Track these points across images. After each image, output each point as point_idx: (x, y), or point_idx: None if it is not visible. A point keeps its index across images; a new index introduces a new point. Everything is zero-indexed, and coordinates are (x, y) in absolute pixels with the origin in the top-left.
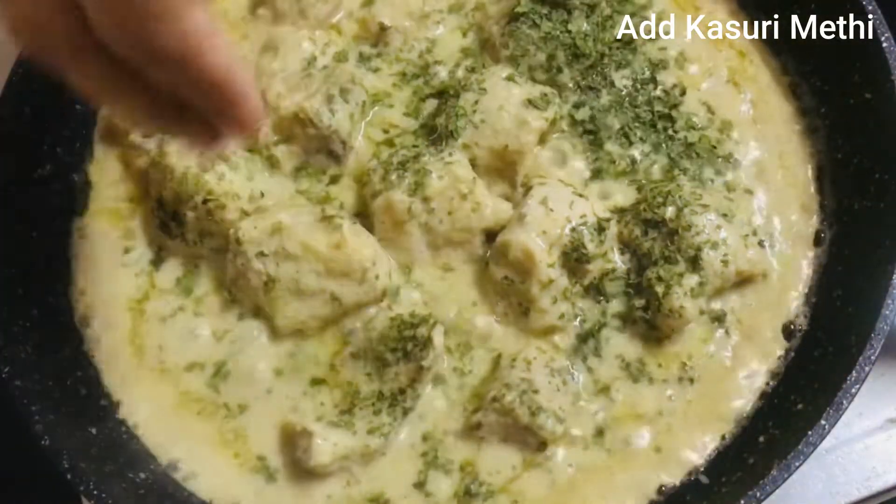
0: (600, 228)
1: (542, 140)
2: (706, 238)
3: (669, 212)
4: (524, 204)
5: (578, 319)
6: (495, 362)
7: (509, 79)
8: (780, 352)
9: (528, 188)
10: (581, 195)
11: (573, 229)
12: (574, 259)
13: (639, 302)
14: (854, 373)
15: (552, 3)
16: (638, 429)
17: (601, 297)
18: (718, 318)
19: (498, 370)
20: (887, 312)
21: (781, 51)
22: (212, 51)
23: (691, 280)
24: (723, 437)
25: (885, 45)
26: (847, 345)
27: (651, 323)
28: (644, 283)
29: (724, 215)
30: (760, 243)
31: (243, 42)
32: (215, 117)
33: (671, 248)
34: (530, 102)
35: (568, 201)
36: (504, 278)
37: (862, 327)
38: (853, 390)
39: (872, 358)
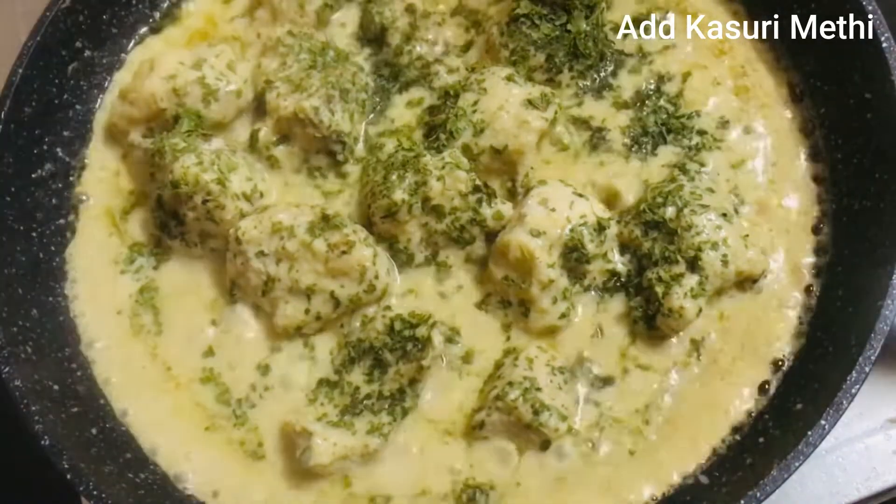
0: (600, 228)
1: (542, 140)
2: (706, 238)
3: (669, 212)
4: (524, 204)
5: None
6: (498, 361)
7: (509, 79)
8: (780, 352)
9: (528, 188)
10: (581, 195)
11: (573, 229)
12: (574, 259)
13: (638, 302)
14: (854, 373)
15: (552, 4)
16: (637, 429)
17: (601, 298)
18: (721, 317)
19: (500, 369)
20: (887, 312)
21: (781, 51)
22: None
23: (691, 280)
24: (723, 438)
25: (885, 45)
26: (847, 345)
27: (651, 323)
28: (644, 284)
29: (724, 215)
30: (763, 251)
31: (246, 49)
32: None
33: (671, 249)
34: (530, 103)
35: (568, 201)
36: (504, 278)
37: (862, 327)
38: (853, 390)
39: (872, 358)
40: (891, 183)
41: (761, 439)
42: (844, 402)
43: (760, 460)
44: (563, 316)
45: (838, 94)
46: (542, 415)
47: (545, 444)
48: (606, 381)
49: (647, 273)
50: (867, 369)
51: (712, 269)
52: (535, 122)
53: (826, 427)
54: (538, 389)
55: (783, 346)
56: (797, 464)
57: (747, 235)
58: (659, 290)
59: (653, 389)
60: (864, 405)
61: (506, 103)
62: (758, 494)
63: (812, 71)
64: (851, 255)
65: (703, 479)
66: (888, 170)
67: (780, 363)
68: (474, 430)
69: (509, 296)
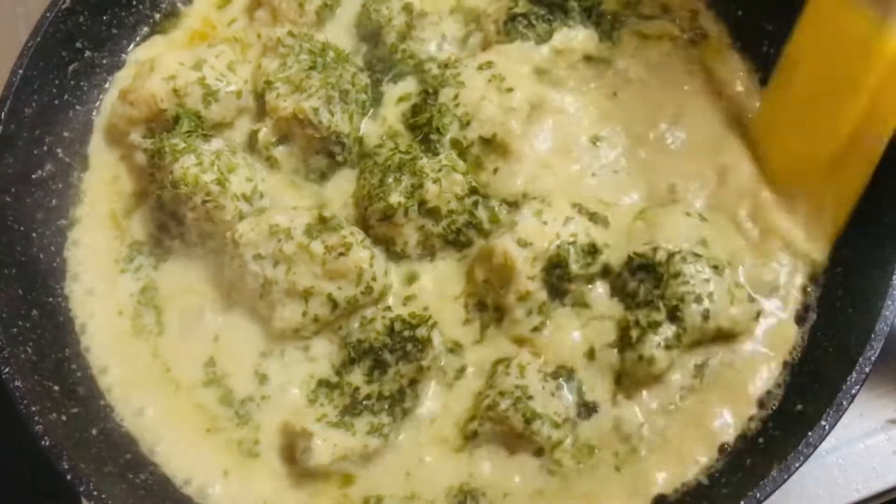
0: (590, 252)
1: (531, 122)
2: (691, 289)
3: (660, 255)
4: (519, 213)
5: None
6: (490, 370)
7: (482, 67)
8: (780, 353)
9: (529, 198)
10: (582, 213)
11: (560, 246)
12: (556, 276)
13: (611, 339)
14: (854, 373)
15: (549, 5)
16: (633, 432)
17: (580, 321)
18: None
19: (493, 377)
20: (887, 313)
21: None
22: None
23: (668, 330)
24: (722, 445)
25: None
26: (847, 345)
27: (623, 367)
28: (622, 324)
29: (716, 267)
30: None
31: (246, 50)
32: None
33: (655, 294)
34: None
35: (563, 218)
36: (485, 281)
37: (862, 328)
38: (853, 391)
39: (872, 359)
40: (891, 183)
41: (761, 440)
42: (844, 402)
43: (760, 461)
44: (535, 329)
45: None
46: (534, 423)
47: (539, 452)
48: (592, 407)
49: (627, 315)
50: (867, 370)
51: (691, 322)
52: (521, 106)
53: (826, 428)
54: (530, 398)
55: (783, 347)
56: (797, 464)
57: (734, 291)
58: (634, 333)
59: (646, 407)
60: (864, 405)
61: (486, 93)
62: (758, 495)
63: None
64: (851, 256)
65: (703, 480)
66: (888, 170)
67: (779, 364)
68: (468, 440)
69: (487, 299)
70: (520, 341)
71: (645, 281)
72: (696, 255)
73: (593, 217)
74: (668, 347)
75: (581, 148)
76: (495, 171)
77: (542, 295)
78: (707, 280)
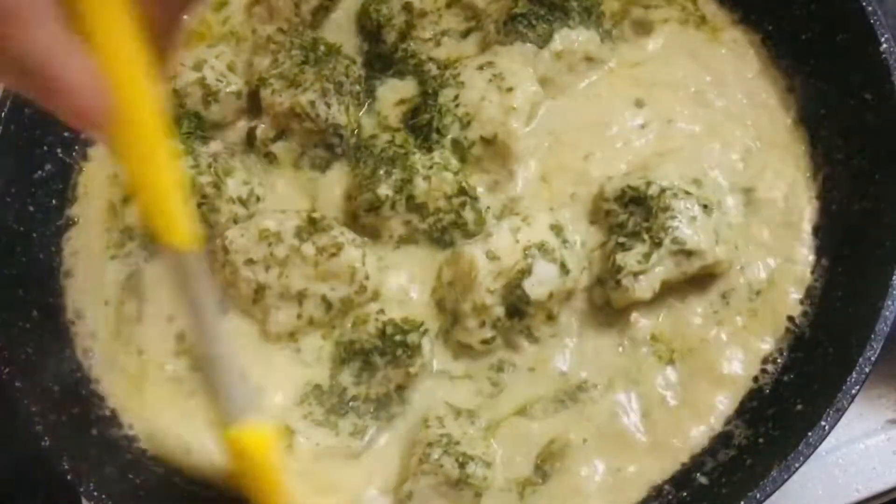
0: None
1: (530, 122)
2: (678, 224)
3: (653, 189)
4: (498, 224)
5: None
6: (411, 431)
7: (482, 67)
8: (778, 352)
9: (512, 212)
10: (566, 242)
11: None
12: (516, 296)
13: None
14: (854, 374)
15: (549, 5)
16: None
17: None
18: (718, 313)
19: (415, 435)
20: (887, 313)
21: (781, 51)
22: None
23: (651, 259)
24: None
25: (884, 45)
26: (847, 346)
27: (607, 302)
28: (605, 254)
29: (705, 206)
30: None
31: (241, 43)
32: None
33: (643, 226)
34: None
35: (540, 240)
36: (449, 283)
37: (862, 328)
38: (853, 391)
39: (872, 359)
40: (891, 183)
41: (761, 440)
42: (844, 402)
43: (760, 461)
44: (484, 342)
45: (838, 94)
46: (468, 466)
47: (477, 498)
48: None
49: (608, 242)
50: (867, 370)
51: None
52: (521, 106)
53: (826, 428)
54: (457, 443)
55: (782, 346)
56: (797, 465)
57: (720, 230)
58: (618, 256)
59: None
60: (864, 406)
61: (486, 93)
62: (758, 495)
63: (812, 71)
64: (851, 255)
65: (703, 480)
66: (888, 170)
67: (778, 363)
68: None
69: (446, 301)
70: (465, 349)
71: (635, 214)
72: (688, 193)
73: (565, 244)
74: (647, 270)
75: None
76: (495, 183)
77: (500, 311)
78: (694, 218)
